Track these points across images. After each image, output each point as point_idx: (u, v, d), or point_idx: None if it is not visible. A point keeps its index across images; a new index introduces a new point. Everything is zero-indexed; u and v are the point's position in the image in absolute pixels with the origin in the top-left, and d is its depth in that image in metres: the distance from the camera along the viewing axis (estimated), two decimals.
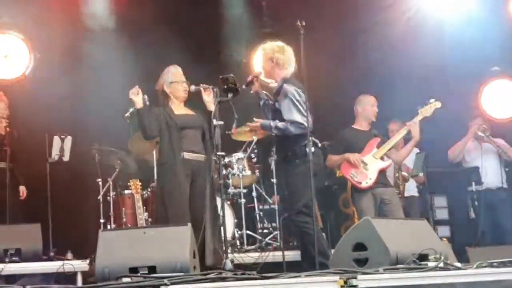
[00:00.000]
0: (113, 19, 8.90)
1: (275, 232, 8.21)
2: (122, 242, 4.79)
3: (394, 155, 7.49)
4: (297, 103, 6.24)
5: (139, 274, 4.46)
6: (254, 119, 6.52)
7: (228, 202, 8.09)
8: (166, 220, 6.06)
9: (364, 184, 7.17)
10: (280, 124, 6.26)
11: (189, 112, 6.52)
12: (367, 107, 7.43)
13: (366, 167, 7.17)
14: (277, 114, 6.37)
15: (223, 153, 6.08)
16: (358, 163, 7.14)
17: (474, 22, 8.94)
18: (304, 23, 6.00)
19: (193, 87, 6.38)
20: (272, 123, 6.33)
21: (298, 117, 6.22)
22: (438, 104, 7.36)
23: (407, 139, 7.61)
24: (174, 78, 6.45)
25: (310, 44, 6.14)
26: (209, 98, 6.28)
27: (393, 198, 7.28)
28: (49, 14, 8.64)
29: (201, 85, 6.32)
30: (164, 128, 6.30)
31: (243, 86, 6.40)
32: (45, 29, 8.78)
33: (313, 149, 6.16)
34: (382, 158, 7.29)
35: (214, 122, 5.92)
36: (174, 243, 4.70)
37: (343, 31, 9.39)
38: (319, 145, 6.48)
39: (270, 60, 6.45)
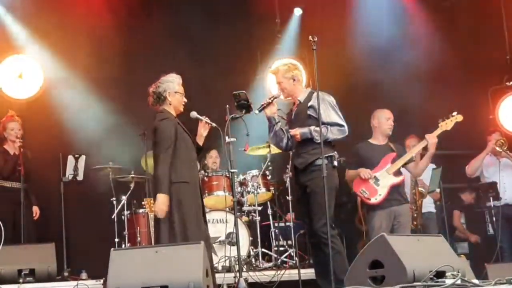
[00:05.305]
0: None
1: (291, 250, 8.15)
2: (134, 261, 4.72)
3: (413, 168, 7.35)
4: (335, 107, 6.27)
5: None
6: (290, 131, 6.34)
7: (243, 220, 8.05)
8: (186, 239, 5.63)
9: (373, 200, 7.04)
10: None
11: None
12: (382, 121, 7.30)
13: (378, 183, 7.04)
14: (308, 122, 6.23)
15: (235, 170, 5.99)
16: (369, 178, 7.04)
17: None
18: (316, 39, 5.97)
19: (194, 114, 5.90)
20: (311, 128, 6.17)
21: (337, 119, 6.23)
22: (460, 118, 7.19)
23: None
24: (180, 89, 5.86)
25: (324, 59, 6.13)
26: (204, 133, 5.91)
27: (404, 216, 7.14)
28: (64, 35, 8.70)
29: (205, 117, 5.89)
30: (182, 142, 5.72)
31: (256, 112, 6.25)
32: (59, 50, 8.82)
33: (335, 163, 6.17)
34: (396, 174, 7.15)
35: (227, 139, 5.85)
36: (187, 262, 4.61)
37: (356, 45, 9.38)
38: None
39: (291, 79, 6.39)
